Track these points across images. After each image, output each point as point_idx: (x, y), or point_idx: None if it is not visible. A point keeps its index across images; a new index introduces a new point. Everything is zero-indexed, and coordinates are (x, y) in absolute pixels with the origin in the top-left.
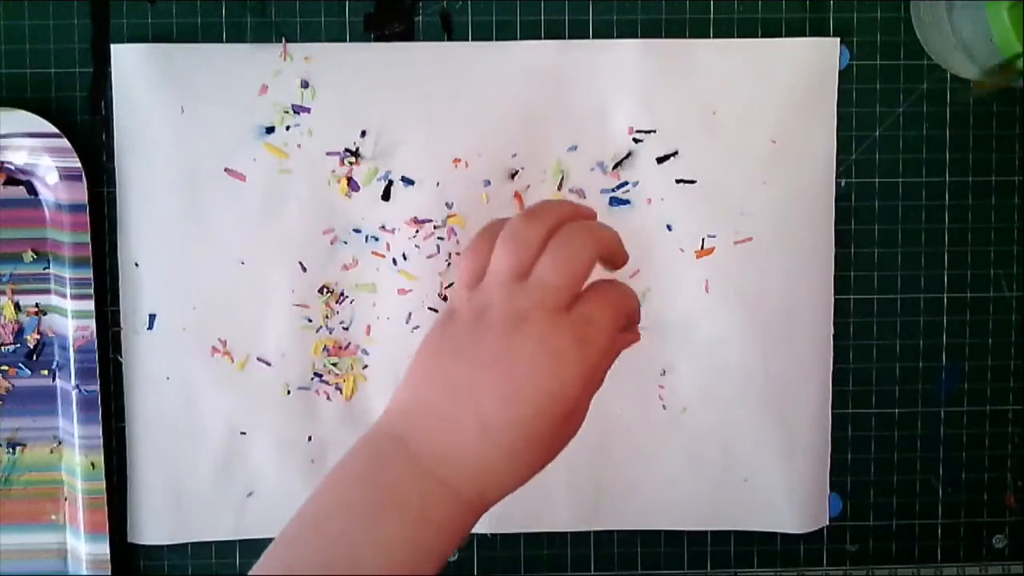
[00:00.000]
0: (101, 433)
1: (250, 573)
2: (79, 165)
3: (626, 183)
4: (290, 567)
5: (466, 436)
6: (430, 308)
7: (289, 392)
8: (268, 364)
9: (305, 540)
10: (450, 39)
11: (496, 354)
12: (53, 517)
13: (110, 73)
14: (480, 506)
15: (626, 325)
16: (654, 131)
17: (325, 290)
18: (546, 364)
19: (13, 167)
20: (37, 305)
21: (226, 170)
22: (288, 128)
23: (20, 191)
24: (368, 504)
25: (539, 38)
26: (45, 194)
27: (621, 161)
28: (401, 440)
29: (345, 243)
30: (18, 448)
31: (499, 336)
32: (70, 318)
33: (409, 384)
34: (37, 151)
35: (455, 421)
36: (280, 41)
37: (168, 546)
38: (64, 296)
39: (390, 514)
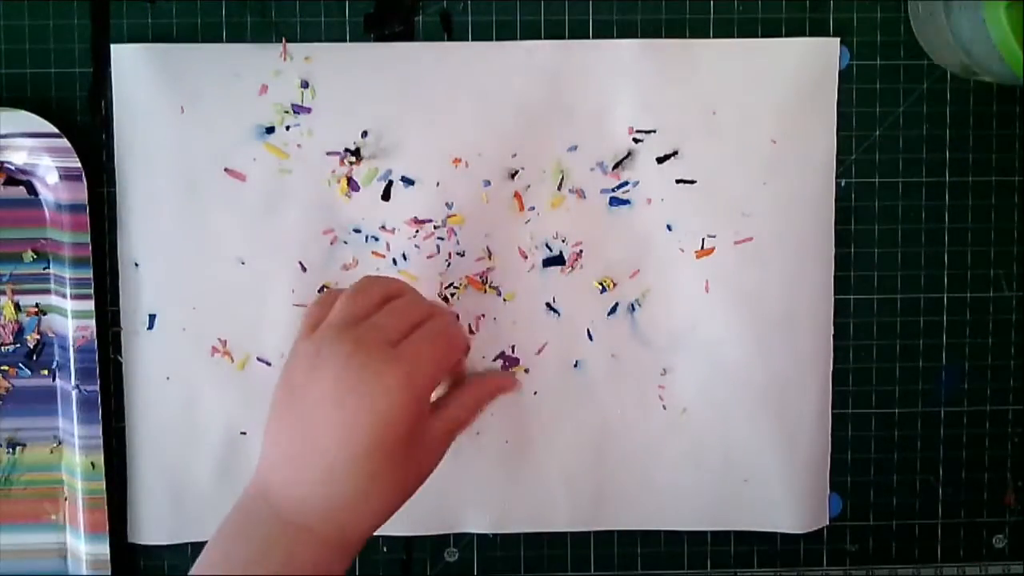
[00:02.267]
0: (101, 433)
1: None
2: (79, 165)
3: (626, 183)
4: None
5: (314, 477)
6: None
7: None
8: (268, 364)
9: None
10: (450, 39)
11: (329, 392)
12: (53, 517)
13: (110, 73)
14: (344, 545)
15: (455, 357)
16: (654, 131)
17: (325, 290)
18: (371, 400)
19: (13, 167)
20: (37, 305)
21: (226, 170)
22: (288, 128)
23: (20, 191)
24: (241, 561)
25: (539, 38)
26: (45, 194)
27: (621, 161)
28: (265, 492)
29: (345, 243)
30: (18, 448)
31: (331, 374)
32: (70, 318)
33: (267, 435)
34: (37, 151)
35: (303, 464)
36: (280, 41)
37: (168, 546)
38: (64, 296)
39: (260, 567)
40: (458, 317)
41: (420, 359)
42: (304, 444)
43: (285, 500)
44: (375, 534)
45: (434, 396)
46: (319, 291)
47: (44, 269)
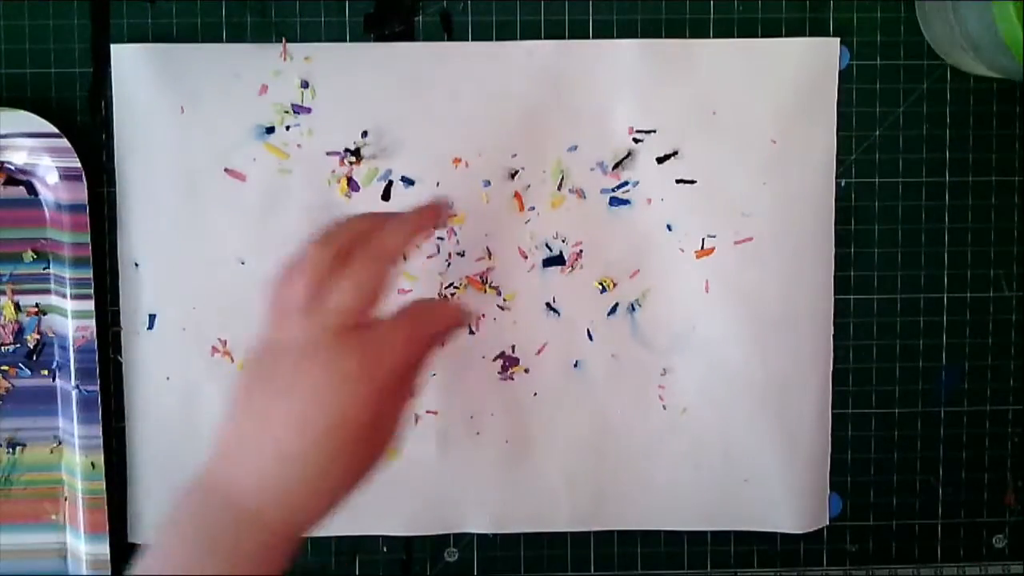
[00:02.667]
0: (101, 433)
1: None
2: (79, 165)
3: (626, 183)
4: None
5: (266, 464)
6: None
7: None
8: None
9: None
10: (450, 39)
11: (287, 382)
12: (53, 517)
13: (110, 73)
14: (290, 534)
15: (437, 334)
16: (654, 131)
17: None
18: (331, 388)
19: (13, 167)
20: (37, 305)
21: (226, 170)
22: (288, 128)
23: (20, 191)
24: (190, 550)
25: (539, 38)
26: (45, 194)
27: (621, 161)
28: (215, 477)
29: None
30: (18, 448)
31: (290, 363)
32: (70, 318)
33: (222, 421)
34: (37, 151)
35: (256, 451)
36: (280, 41)
37: None
38: (64, 296)
39: (208, 552)
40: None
41: (380, 348)
42: (261, 436)
43: (236, 487)
44: (374, 534)
45: None
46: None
47: (44, 269)
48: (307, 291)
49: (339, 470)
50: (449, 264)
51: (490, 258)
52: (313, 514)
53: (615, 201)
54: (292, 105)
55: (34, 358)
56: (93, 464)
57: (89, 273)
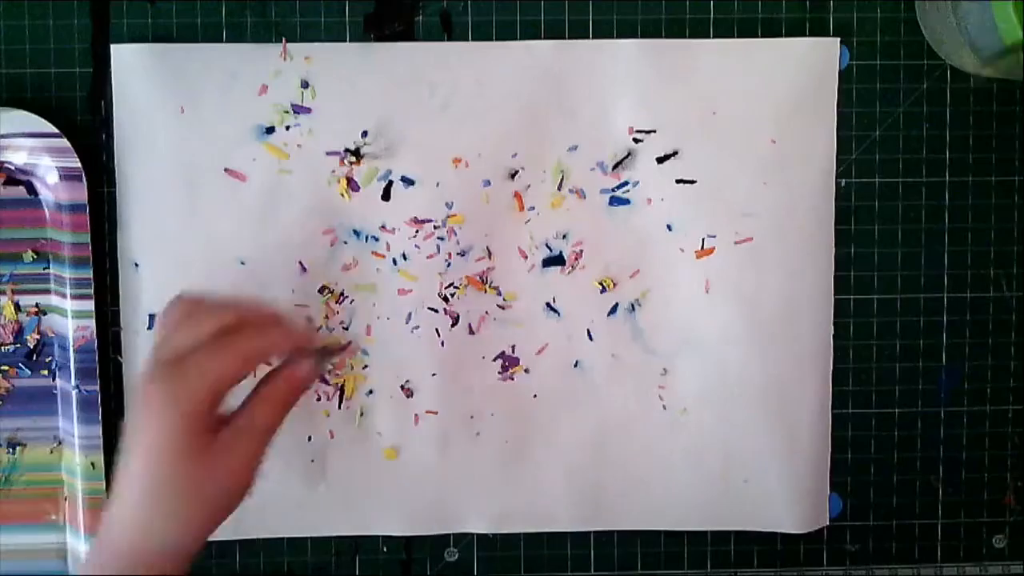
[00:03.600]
0: (101, 433)
1: None
2: (79, 165)
3: (626, 183)
4: None
5: (118, 500)
6: (430, 308)
7: None
8: (268, 364)
9: None
10: (450, 39)
11: (126, 421)
12: (53, 517)
13: (110, 73)
14: (151, 560)
15: (261, 353)
16: (654, 131)
17: (325, 290)
18: (145, 417)
19: (13, 167)
20: (37, 305)
21: (226, 170)
22: (288, 128)
23: (20, 191)
24: None
25: (539, 38)
26: (45, 194)
27: (621, 161)
28: (101, 522)
29: (345, 243)
30: (18, 448)
31: (130, 406)
32: (70, 318)
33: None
34: (37, 151)
35: (114, 489)
36: (280, 41)
37: None
38: (64, 296)
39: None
40: (463, 323)
41: (186, 373)
42: (116, 478)
43: (102, 525)
44: (374, 534)
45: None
46: (319, 291)
47: (44, 269)
48: (160, 334)
49: (181, 497)
50: (449, 264)
51: (490, 258)
52: (183, 540)
53: (615, 201)
54: (292, 105)
55: (34, 358)
56: (93, 464)
57: (89, 273)
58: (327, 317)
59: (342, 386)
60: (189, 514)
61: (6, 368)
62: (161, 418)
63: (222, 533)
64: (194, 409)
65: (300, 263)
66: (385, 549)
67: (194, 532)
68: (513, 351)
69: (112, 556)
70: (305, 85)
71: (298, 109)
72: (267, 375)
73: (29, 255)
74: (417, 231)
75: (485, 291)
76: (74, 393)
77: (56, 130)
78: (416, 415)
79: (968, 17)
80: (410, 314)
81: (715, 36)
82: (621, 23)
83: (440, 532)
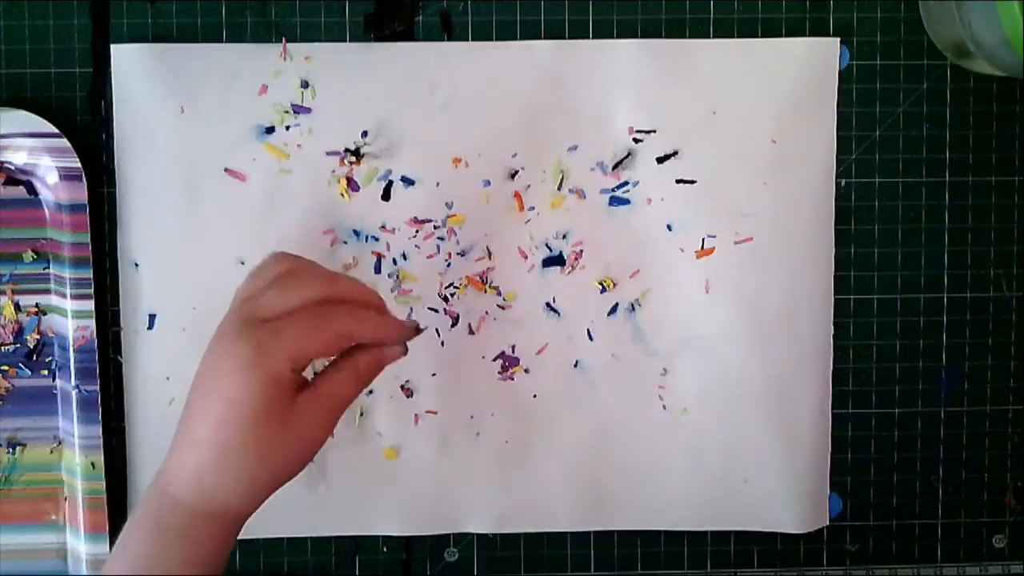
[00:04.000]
0: (101, 433)
1: None
2: (79, 165)
3: (626, 183)
4: None
5: (183, 451)
6: (430, 308)
7: None
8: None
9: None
10: (450, 39)
11: (200, 371)
12: (53, 517)
13: (110, 73)
14: (210, 514)
15: (332, 341)
16: (654, 131)
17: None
18: (227, 372)
19: (13, 167)
20: (37, 305)
21: (226, 170)
22: (288, 128)
23: (20, 191)
24: (149, 546)
25: (539, 38)
26: (45, 194)
27: (621, 161)
28: (163, 476)
29: (345, 243)
30: (18, 448)
31: (206, 355)
32: (70, 318)
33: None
34: (37, 151)
35: (177, 439)
36: (280, 41)
37: None
38: (64, 296)
39: (135, 532)
40: (463, 323)
41: (279, 337)
42: (182, 426)
43: (164, 473)
44: (374, 534)
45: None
46: None
47: (44, 269)
48: (241, 291)
49: (249, 457)
50: (449, 264)
51: (490, 258)
52: (231, 497)
53: (615, 201)
54: (292, 105)
55: (34, 358)
56: (93, 464)
57: (89, 273)
58: None
59: None
60: (257, 477)
61: (6, 368)
62: (248, 375)
63: None
64: (281, 374)
65: None
66: (385, 549)
67: (256, 495)
68: (513, 351)
69: (169, 508)
70: (305, 85)
71: (298, 109)
72: (352, 347)
73: (29, 255)
74: (417, 231)
75: (485, 291)
76: (74, 393)
77: (56, 130)
78: (416, 415)
79: (972, 14)
80: (410, 314)
81: (715, 36)
82: (621, 23)
83: (440, 532)
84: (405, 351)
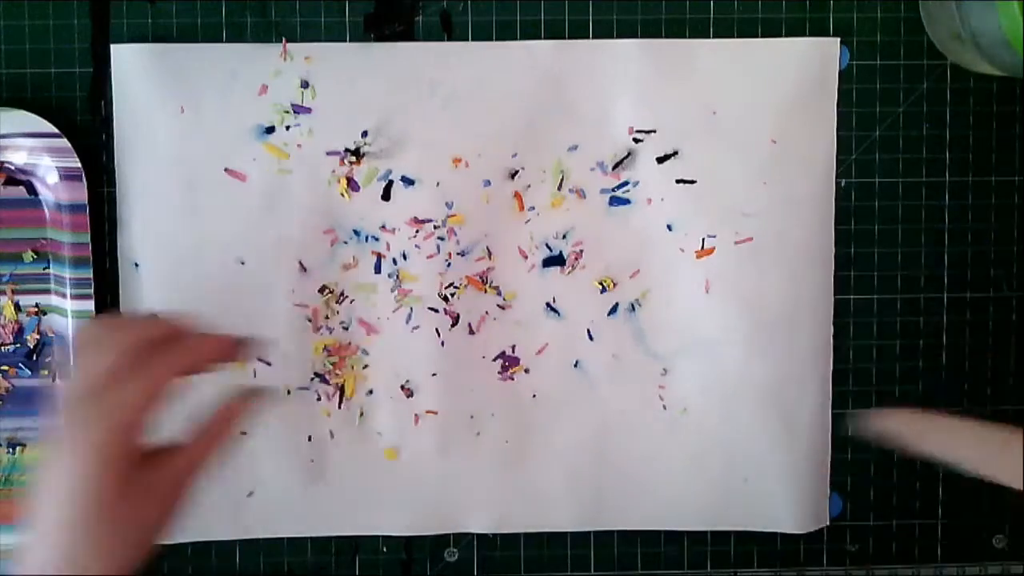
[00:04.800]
0: None
1: None
2: (79, 165)
3: (626, 183)
4: None
5: (34, 551)
6: (430, 308)
7: (289, 392)
8: (268, 364)
9: None
10: (450, 39)
11: (41, 461)
12: None
13: (110, 73)
14: None
15: (162, 387)
16: (654, 131)
17: (325, 290)
18: (58, 460)
19: (13, 167)
20: (37, 305)
21: (226, 170)
22: (288, 128)
23: (20, 191)
24: None
25: (539, 38)
26: (45, 194)
27: (621, 161)
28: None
29: (345, 243)
30: (18, 448)
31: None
32: (70, 318)
33: None
34: (37, 151)
35: (27, 538)
36: (280, 41)
37: (168, 546)
38: (64, 296)
39: None
40: (463, 323)
41: (103, 407)
42: (29, 524)
43: (34, 566)
44: (374, 534)
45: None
46: (319, 291)
47: (44, 269)
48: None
49: (105, 539)
50: (449, 264)
51: (490, 258)
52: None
53: (615, 201)
54: (292, 105)
55: (34, 358)
56: None
57: (89, 273)
58: (327, 317)
59: (342, 386)
60: (114, 550)
61: (6, 368)
62: (77, 459)
63: (222, 533)
64: (114, 445)
65: (300, 263)
66: (385, 549)
67: (120, 566)
68: (513, 351)
69: None
70: (305, 85)
71: (298, 109)
72: (200, 422)
73: (29, 255)
74: (417, 231)
75: (485, 291)
76: None
77: (56, 130)
78: (416, 415)
79: (972, 13)
80: (410, 314)
81: (715, 36)
82: (621, 23)
83: (440, 532)
84: (256, 401)
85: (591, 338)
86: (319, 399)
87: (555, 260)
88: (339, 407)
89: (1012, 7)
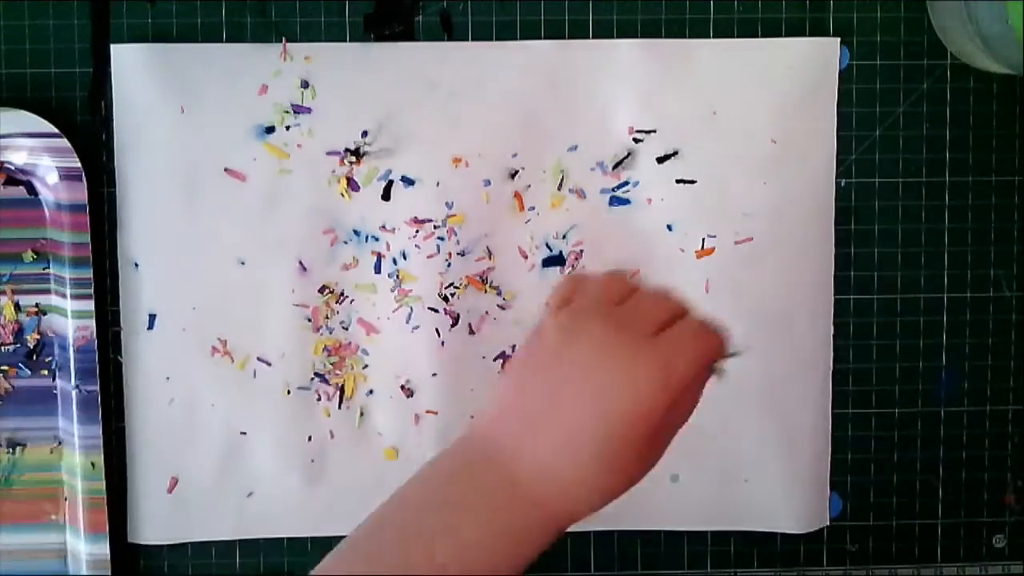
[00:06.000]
0: (101, 433)
1: (326, 561)
2: (79, 165)
3: (626, 183)
4: (369, 556)
5: (553, 448)
6: (430, 308)
7: (289, 392)
8: (268, 364)
9: (386, 533)
10: (450, 39)
11: (584, 371)
12: (53, 517)
13: (110, 73)
14: (559, 520)
15: (711, 360)
16: (654, 131)
17: (325, 290)
18: (630, 386)
19: (13, 167)
20: (37, 305)
21: (226, 170)
22: (288, 128)
23: (20, 191)
24: (453, 505)
25: (539, 38)
26: (45, 194)
27: (621, 161)
28: (491, 446)
29: (345, 243)
30: (18, 448)
31: (588, 355)
32: (70, 318)
33: (500, 395)
34: (37, 151)
35: (543, 432)
36: (280, 41)
37: (168, 546)
38: (64, 296)
39: (473, 517)
40: (463, 323)
41: (679, 357)
42: (549, 411)
43: (516, 464)
44: None
45: None
46: (319, 291)
47: (44, 269)
48: (612, 289)
49: (619, 469)
50: (449, 264)
51: (490, 258)
52: (583, 507)
53: (615, 201)
54: (292, 105)
55: (34, 358)
56: (93, 464)
57: (89, 273)
58: (327, 317)
59: (342, 386)
60: (616, 492)
61: (6, 368)
62: (654, 398)
63: (222, 533)
64: (676, 395)
65: (300, 263)
66: None
67: (599, 507)
68: (513, 351)
69: (521, 506)
70: (305, 85)
71: (298, 109)
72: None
73: (29, 255)
74: (417, 231)
75: (485, 291)
76: (74, 393)
77: (56, 130)
78: (416, 415)
79: (980, 11)
80: (410, 314)
81: (715, 36)
82: (621, 23)
83: None
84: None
85: None
86: (319, 399)
87: (555, 260)
88: (339, 407)
89: (1021, 6)
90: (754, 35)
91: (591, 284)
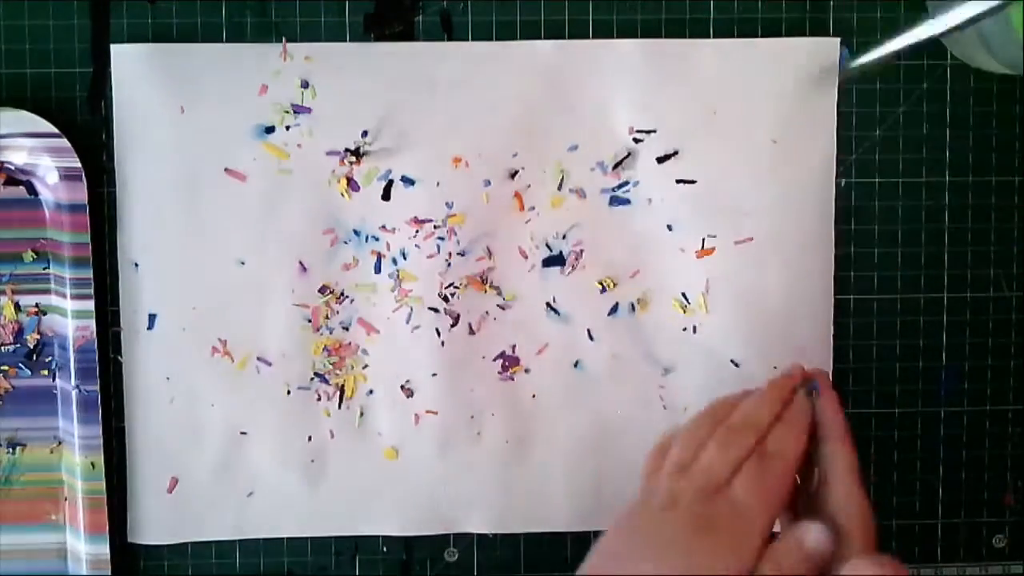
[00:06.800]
0: (101, 433)
1: None
2: (79, 165)
3: (626, 183)
4: None
5: None
6: (430, 308)
7: (289, 392)
8: (268, 364)
9: None
10: (450, 39)
11: (650, 532)
12: (53, 517)
13: (110, 73)
14: None
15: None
16: (654, 131)
17: (325, 290)
18: (698, 545)
19: (13, 167)
20: (37, 305)
21: (226, 170)
22: (288, 128)
23: (20, 191)
24: None
25: (539, 38)
26: (45, 194)
27: (621, 161)
28: None
29: (345, 243)
30: (18, 448)
31: (654, 515)
32: (70, 318)
33: (596, 553)
34: (37, 151)
35: None
36: (280, 41)
37: (168, 546)
38: (64, 296)
39: None
40: (463, 323)
41: (747, 527)
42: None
43: None
44: (374, 534)
45: None
46: (319, 291)
47: (44, 269)
48: (680, 455)
49: None
50: (449, 264)
51: (490, 258)
52: None
53: (615, 201)
54: (292, 105)
55: (34, 358)
56: (93, 464)
57: (89, 273)
58: (327, 317)
59: (342, 386)
60: None
61: (6, 368)
62: (723, 557)
63: (222, 533)
64: (748, 555)
65: (300, 263)
66: (385, 549)
67: None
68: (513, 351)
69: None
70: (305, 85)
71: (298, 109)
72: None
73: (29, 255)
74: (417, 231)
75: (485, 291)
76: (74, 393)
77: (56, 130)
78: (416, 415)
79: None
80: (410, 314)
81: (715, 36)
82: (621, 23)
83: (440, 532)
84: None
85: (591, 338)
86: (319, 399)
87: (555, 260)
88: (339, 407)
89: (1022, 6)
90: (754, 35)
91: (673, 449)
